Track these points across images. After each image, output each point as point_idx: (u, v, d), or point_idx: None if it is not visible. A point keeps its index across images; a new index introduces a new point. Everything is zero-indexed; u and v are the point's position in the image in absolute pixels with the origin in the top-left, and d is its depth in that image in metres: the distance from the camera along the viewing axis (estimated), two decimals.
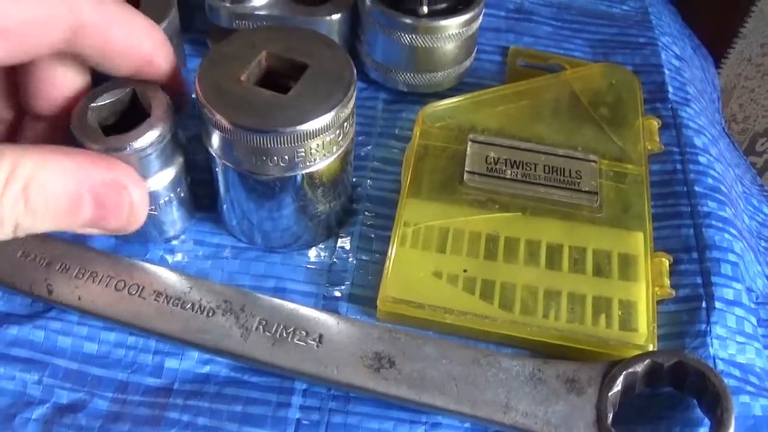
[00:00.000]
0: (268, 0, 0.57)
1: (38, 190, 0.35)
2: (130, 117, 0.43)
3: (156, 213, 0.47)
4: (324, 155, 0.44)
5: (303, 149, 0.43)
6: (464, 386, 0.42)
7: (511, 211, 0.51)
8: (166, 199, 0.47)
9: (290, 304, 0.45)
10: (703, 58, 0.78)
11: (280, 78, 0.45)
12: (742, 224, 0.57)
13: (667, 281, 0.48)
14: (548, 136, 0.56)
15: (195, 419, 0.43)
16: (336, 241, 0.51)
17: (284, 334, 0.44)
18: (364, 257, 0.50)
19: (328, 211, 0.49)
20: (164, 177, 0.45)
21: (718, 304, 0.48)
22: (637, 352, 0.44)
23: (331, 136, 0.44)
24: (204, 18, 0.59)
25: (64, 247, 0.47)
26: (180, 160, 0.46)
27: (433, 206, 0.51)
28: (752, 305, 0.50)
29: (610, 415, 0.41)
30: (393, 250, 0.48)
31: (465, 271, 0.48)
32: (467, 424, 0.43)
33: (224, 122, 0.42)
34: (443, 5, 0.55)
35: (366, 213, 0.52)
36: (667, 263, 0.49)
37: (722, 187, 0.56)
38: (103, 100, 0.43)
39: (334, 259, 0.50)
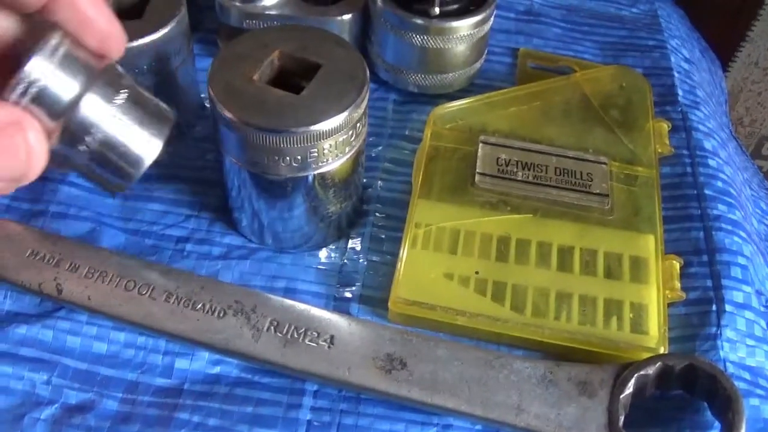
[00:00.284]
0: (278, 0, 0.57)
1: None
2: None
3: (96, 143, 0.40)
4: (336, 155, 0.44)
5: (316, 149, 0.43)
6: (476, 388, 0.42)
7: (522, 212, 0.51)
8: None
9: (301, 305, 0.45)
10: (710, 62, 0.78)
11: (292, 78, 0.45)
12: (752, 227, 0.57)
13: (677, 284, 0.48)
14: (559, 138, 0.56)
15: (205, 420, 0.43)
16: (347, 242, 0.51)
17: (295, 335, 0.44)
18: (374, 258, 0.50)
19: (339, 211, 0.49)
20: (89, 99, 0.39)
21: (728, 307, 0.48)
22: (648, 355, 0.44)
23: (344, 137, 0.44)
24: (214, 17, 0.59)
25: (73, 246, 0.47)
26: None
27: (444, 207, 0.51)
28: (762, 308, 0.50)
29: (622, 418, 0.41)
30: (404, 252, 0.48)
31: (476, 272, 0.48)
32: (479, 426, 0.43)
33: (237, 122, 0.42)
34: (454, 6, 0.56)
35: (377, 214, 0.53)
36: (677, 266, 0.49)
37: (732, 190, 0.56)
38: None
39: (345, 260, 0.50)
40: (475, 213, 0.51)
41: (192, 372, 0.45)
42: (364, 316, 0.47)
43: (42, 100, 0.37)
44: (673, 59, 0.66)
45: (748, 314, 0.48)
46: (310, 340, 0.43)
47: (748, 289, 0.49)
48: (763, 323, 0.48)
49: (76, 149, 0.39)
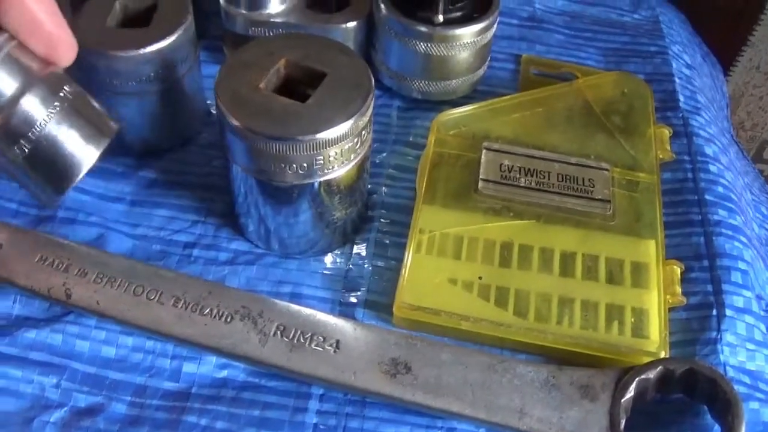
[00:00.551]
0: (284, 7, 0.57)
1: None
2: None
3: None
4: (342, 163, 0.45)
5: (321, 157, 0.43)
6: (480, 392, 0.43)
7: (525, 218, 0.51)
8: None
9: (307, 310, 0.45)
10: (712, 66, 0.78)
11: (298, 86, 0.46)
12: (752, 232, 0.57)
13: (678, 289, 0.49)
14: (561, 144, 0.56)
15: (213, 423, 0.43)
16: (352, 248, 0.52)
17: (302, 340, 0.44)
18: (379, 264, 0.51)
19: (345, 217, 0.49)
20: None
21: (728, 312, 0.48)
22: (649, 359, 0.44)
23: (349, 144, 0.44)
24: (219, 24, 0.59)
25: (82, 251, 0.47)
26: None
27: (448, 214, 0.51)
28: (762, 313, 0.50)
29: (623, 421, 0.42)
30: (409, 257, 0.49)
31: (480, 278, 0.48)
32: (482, 430, 0.43)
33: (243, 130, 0.42)
34: (458, 14, 0.56)
35: (381, 220, 0.53)
36: (678, 271, 0.49)
37: (732, 196, 0.56)
38: None
39: (350, 266, 0.51)
40: (478, 219, 0.51)
41: (199, 376, 0.45)
42: (369, 321, 0.48)
43: None
44: (674, 65, 0.67)
45: (748, 319, 0.48)
46: (316, 345, 0.44)
47: (748, 293, 0.50)
48: (763, 327, 0.49)
49: (11, 150, 0.39)
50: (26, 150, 0.39)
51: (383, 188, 0.55)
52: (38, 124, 0.39)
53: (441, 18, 0.55)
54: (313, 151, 0.43)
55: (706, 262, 0.51)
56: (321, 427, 0.43)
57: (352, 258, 0.51)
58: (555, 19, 0.71)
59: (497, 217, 0.51)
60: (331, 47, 0.47)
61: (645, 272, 0.49)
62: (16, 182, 0.42)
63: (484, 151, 0.55)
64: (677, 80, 0.65)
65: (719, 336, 0.47)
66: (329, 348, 0.44)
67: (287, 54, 0.46)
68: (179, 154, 0.56)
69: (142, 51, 0.49)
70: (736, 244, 0.52)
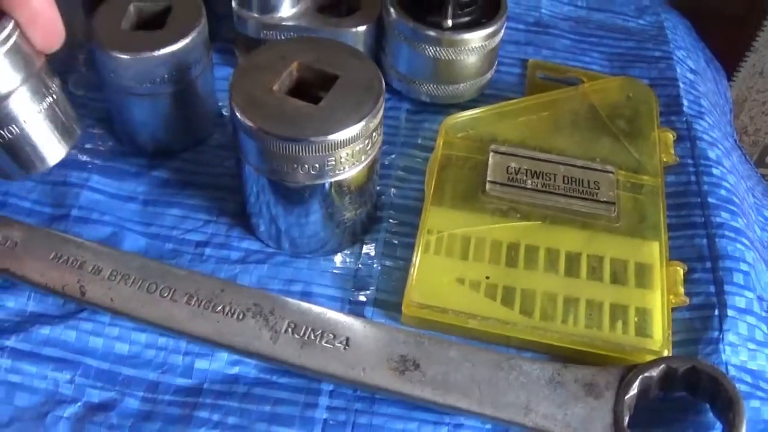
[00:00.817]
0: (295, 11, 0.58)
1: None
2: None
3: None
4: (353, 164, 0.45)
5: (333, 158, 0.44)
6: (486, 389, 0.43)
7: (531, 220, 0.52)
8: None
9: (318, 308, 0.46)
10: (715, 71, 0.78)
11: (310, 88, 0.46)
12: (754, 235, 0.57)
13: (681, 289, 0.49)
14: (567, 147, 0.57)
15: (225, 418, 0.44)
16: (361, 248, 0.52)
17: (312, 337, 0.44)
18: (388, 263, 0.51)
19: (354, 218, 0.50)
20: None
21: (730, 312, 0.49)
22: (652, 358, 0.45)
23: (360, 146, 0.45)
24: (231, 27, 0.59)
25: (96, 249, 0.48)
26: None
27: (455, 215, 0.52)
28: (763, 314, 0.50)
29: (627, 418, 0.42)
30: (417, 257, 0.49)
31: (487, 277, 0.49)
32: (489, 426, 0.44)
33: (257, 131, 0.43)
34: (467, 19, 0.56)
35: (390, 220, 0.53)
36: (681, 272, 0.50)
37: (735, 199, 0.57)
38: None
39: (360, 265, 0.51)
40: (485, 220, 0.52)
41: (212, 372, 0.45)
42: (378, 319, 0.48)
43: None
44: (678, 70, 0.67)
45: (750, 319, 0.49)
46: (326, 342, 0.44)
47: (750, 294, 0.50)
48: (764, 328, 0.49)
49: None
50: (7, 138, 0.40)
51: (392, 189, 0.55)
52: (25, 118, 0.40)
53: (450, 23, 0.56)
54: (324, 152, 0.43)
55: (708, 264, 0.52)
56: (331, 422, 0.44)
57: (361, 258, 0.51)
58: (561, 24, 0.71)
59: (504, 218, 0.52)
60: (342, 50, 0.48)
61: (649, 273, 0.50)
62: None
63: (491, 153, 0.55)
64: (681, 85, 0.66)
65: (721, 336, 0.48)
66: (339, 345, 0.44)
67: (299, 57, 0.47)
68: (191, 154, 0.56)
69: (156, 53, 0.49)
70: (739, 246, 0.53)
